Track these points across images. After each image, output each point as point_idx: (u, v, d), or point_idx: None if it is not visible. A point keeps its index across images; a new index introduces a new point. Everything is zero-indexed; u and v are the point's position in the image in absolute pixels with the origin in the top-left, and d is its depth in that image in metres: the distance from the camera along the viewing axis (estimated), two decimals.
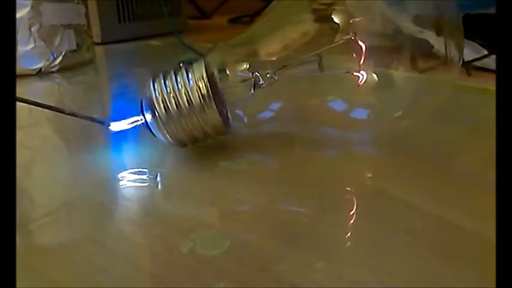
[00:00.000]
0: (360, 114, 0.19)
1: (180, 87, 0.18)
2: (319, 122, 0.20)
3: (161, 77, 0.19)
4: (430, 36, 0.18)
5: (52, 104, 0.21)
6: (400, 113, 0.19)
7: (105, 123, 0.20)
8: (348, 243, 0.14)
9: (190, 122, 0.18)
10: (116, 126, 0.20)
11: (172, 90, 0.18)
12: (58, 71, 0.39)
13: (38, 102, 0.20)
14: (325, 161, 0.20)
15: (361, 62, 0.18)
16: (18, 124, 0.24)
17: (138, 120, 0.19)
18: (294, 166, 0.20)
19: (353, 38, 0.18)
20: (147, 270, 0.13)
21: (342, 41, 0.18)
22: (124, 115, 0.20)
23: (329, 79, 0.18)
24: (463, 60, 0.30)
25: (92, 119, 0.20)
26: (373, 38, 0.18)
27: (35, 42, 0.37)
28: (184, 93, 0.18)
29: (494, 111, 0.13)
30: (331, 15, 0.18)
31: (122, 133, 0.20)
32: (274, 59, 0.19)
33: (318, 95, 0.19)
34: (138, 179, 0.18)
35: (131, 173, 0.19)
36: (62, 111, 0.20)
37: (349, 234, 0.15)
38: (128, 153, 0.21)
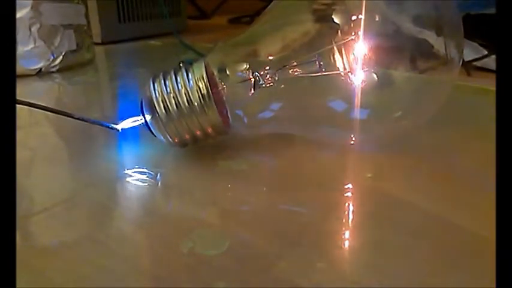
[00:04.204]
0: (360, 114, 0.19)
1: (180, 87, 0.18)
2: (319, 122, 0.20)
3: (161, 77, 0.19)
4: (430, 36, 0.18)
5: (52, 105, 0.21)
6: (400, 113, 0.19)
7: (115, 129, 0.20)
8: (348, 243, 0.14)
9: (191, 122, 0.18)
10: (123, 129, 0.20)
11: (172, 91, 0.18)
12: (58, 71, 0.39)
13: (48, 107, 0.20)
14: (325, 161, 0.20)
15: (361, 62, 0.18)
16: (18, 124, 0.24)
17: (142, 121, 0.19)
18: (294, 166, 0.20)
19: (353, 38, 0.18)
20: (147, 270, 0.13)
21: (342, 41, 0.18)
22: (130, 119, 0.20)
23: (329, 79, 0.18)
24: (463, 60, 0.30)
25: (102, 124, 0.20)
26: (373, 38, 0.18)
27: (35, 42, 0.37)
28: (184, 93, 0.18)
29: (494, 111, 0.13)
30: (331, 15, 0.18)
31: (122, 133, 0.20)
32: (274, 59, 0.19)
33: (318, 95, 0.19)
34: (138, 179, 0.18)
35: (131, 172, 0.19)
36: (71, 116, 0.20)
37: (349, 234, 0.15)
38: (128, 153, 0.21)
